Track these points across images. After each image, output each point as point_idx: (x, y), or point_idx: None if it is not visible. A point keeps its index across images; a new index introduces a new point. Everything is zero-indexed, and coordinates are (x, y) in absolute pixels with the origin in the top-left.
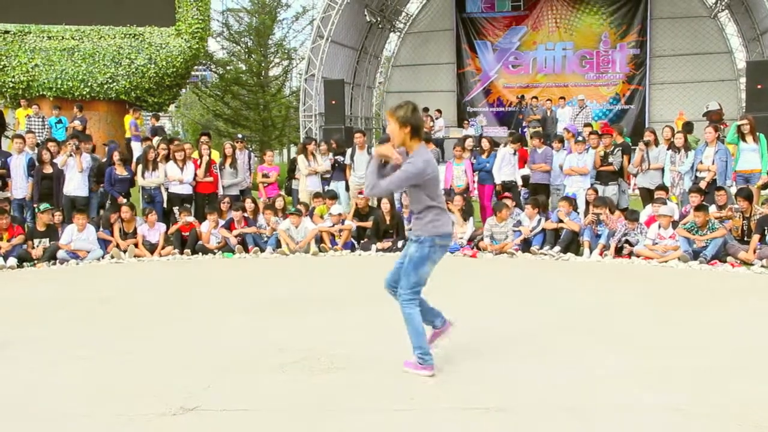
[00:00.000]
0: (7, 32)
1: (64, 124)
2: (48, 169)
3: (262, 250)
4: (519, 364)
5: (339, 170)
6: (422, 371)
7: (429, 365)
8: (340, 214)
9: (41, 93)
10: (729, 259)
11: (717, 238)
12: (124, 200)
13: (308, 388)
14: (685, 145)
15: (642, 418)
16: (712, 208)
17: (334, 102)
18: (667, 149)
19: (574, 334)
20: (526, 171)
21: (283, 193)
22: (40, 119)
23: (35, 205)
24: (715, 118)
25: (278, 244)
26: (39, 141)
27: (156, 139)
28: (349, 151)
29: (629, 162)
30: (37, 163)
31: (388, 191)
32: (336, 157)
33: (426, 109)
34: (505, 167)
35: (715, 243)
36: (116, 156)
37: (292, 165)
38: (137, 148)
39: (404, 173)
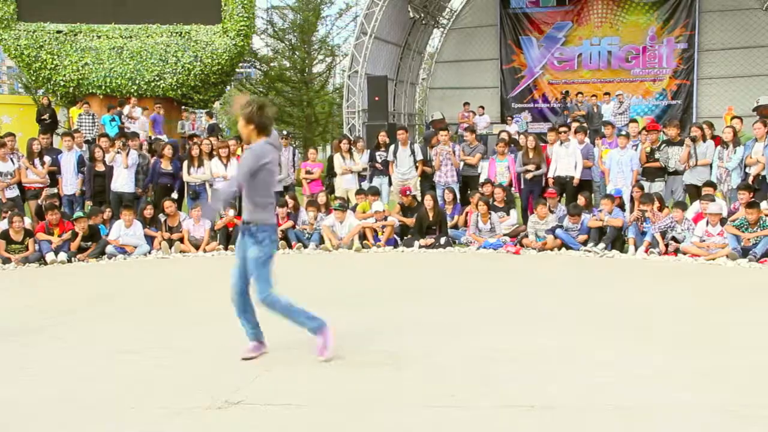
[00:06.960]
0: (59, 32)
1: (118, 122)
2: (100, 167)
3: (305, 246)
4: (562, 362)
5: (382, 166)
6: (329, 338)
7: (326, 327)
8: (382, 211)
9: (91, 91)
10: None
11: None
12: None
13: (351, 384)
14: (734, 140)
15: (690, 418)
16: (764, 205)
17: (377, 98)
18: (715, 145)
19: (618, 332)
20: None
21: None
22: (90, 117)
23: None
24: (766, 113)
25: (321, 240)
26: (87, 138)
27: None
28: (392, 147)
29: None
30: (87, 161)
31: (232, 188)
32: (377, 153)
33: (467, 104)
34: (562, 162)
35: (765, 241)
36: (167, 150)
37: (330, 163)
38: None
39: (240, 166)
